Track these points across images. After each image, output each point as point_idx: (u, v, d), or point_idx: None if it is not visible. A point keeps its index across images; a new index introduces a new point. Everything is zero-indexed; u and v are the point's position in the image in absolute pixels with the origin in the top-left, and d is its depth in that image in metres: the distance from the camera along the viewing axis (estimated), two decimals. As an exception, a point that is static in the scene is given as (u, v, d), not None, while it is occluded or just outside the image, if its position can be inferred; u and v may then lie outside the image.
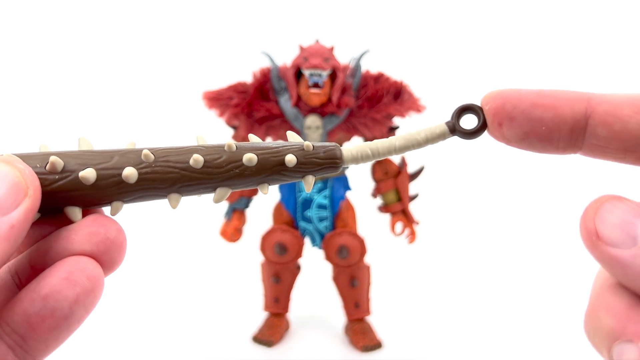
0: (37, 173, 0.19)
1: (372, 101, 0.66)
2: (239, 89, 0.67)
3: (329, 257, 0.69)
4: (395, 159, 0.70)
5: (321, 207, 0.69)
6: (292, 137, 0.24)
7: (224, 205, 0.72)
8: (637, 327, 0.16)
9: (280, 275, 0.71)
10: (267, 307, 0.72)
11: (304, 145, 0.22)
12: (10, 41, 1.09)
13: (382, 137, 0.65)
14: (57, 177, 0.20)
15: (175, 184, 0.21)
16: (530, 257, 0.91)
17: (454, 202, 1.06)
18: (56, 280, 0.19)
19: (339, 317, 0.74)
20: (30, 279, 0.19)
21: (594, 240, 0.17)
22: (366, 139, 0.67)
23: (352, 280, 0.69)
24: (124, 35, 1.10)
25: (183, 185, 0.21)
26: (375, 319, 0.72)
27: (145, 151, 0.21)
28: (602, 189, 0.22)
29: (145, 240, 0.90)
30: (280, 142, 0.23)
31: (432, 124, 0.22)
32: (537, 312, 0.76)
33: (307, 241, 0.71)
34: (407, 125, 0.66)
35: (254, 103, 0.66)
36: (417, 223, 0.70)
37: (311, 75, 0.64)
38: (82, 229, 0.20)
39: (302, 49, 0.67)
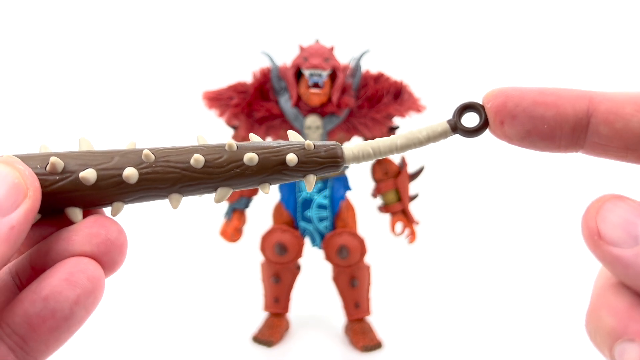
0: (37, 174, 0.19)
1: (372, 101, 0.66)
2: (239, 89, 0.67)
3: (329, 257, 0.69)
4: (395, 158, 0.70)
5: (321, 207, 0.69)
6: (293, 136, 0.23)
7: (224, 205, 0.72)
8: (638, 327, 0.16)
9: (280, 275, 0.71)
10: (267, 307, 0.72)
11: (305, 144, 0.22)
12: (11, 41, 1.09)
13: (382, 137, 0.64)
14: (57, 177, 0.20)
15: (176, 184, 0.21)
16: (531, 257, 0.91)
17: (454, 202, 1.05)
18: (57, 281, 0.18)
19: (339, 317, 0.73)
20: (31, 280, 0.19)
21: (596, 239, 0.17)
22: (366, 139, 0.67)
23: (352, 280, 0.69)
24: (124, 35, 1.10)
25: (184, 185, 0.21)
26: (375, 319, 0.72)
27: (145, 151, 0.21)
28: (603, 188, 0.22)
29: (146, 241, 0.90)
30: (281, 142, 0.22)
31: (433, 123, 0.22)
32: (538, 311, 0.76)
33: (307, 241, 0.71)
34: (407, 126, 0.66)
35: (254, 103, 0.66)
36: (417, 223, 0.70)
37: (311, 75, 0.64)
38: (83, 230, 0.20)
39: (302, 49, 0.66)
